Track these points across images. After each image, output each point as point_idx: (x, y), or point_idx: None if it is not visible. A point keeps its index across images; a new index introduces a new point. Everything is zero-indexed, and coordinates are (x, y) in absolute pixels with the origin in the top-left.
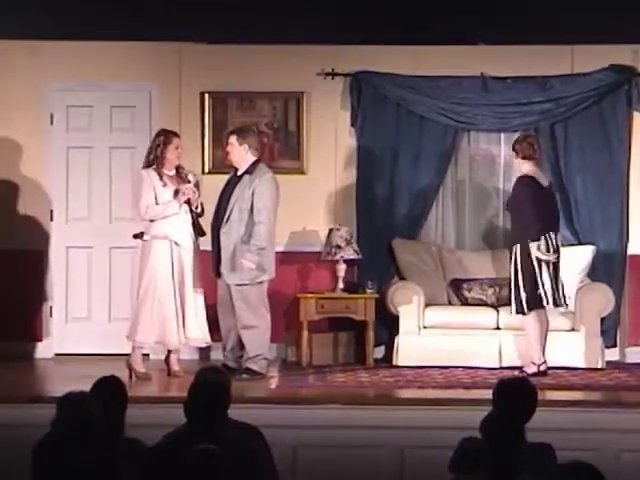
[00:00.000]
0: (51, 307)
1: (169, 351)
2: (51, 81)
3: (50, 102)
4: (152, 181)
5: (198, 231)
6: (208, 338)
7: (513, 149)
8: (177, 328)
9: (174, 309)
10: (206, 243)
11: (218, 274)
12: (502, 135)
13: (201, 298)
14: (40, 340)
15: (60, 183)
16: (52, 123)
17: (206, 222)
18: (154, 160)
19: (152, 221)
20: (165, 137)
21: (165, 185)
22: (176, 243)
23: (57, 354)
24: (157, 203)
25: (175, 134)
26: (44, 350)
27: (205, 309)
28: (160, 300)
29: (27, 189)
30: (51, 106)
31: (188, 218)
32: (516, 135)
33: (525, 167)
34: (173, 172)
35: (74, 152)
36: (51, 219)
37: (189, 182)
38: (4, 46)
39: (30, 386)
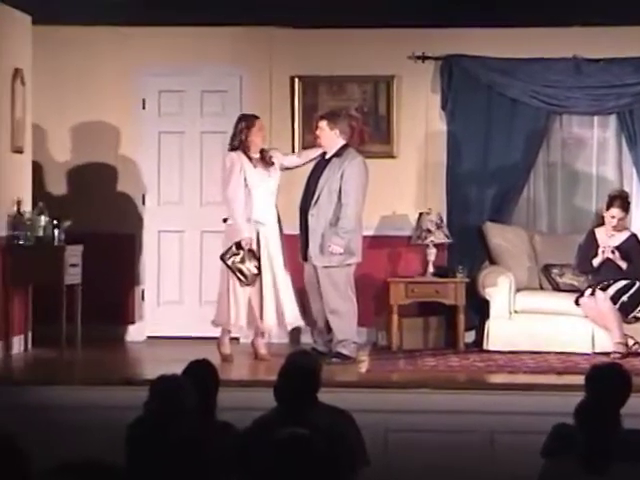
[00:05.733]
0: (143, 290)
1: (256, 334)
2: (143, 66)
3: (142, 87)
4: (242, 163)
5: None
6: (301, 320)
7: None
8: (269, 310)
9: (261, 291)
10: (292, 227)
11: (305, 257)
12: (595, 118)
13: (289, 280)
14: (132, 323)
15: (152, 167)
16: (144, 108)
17: (294, 204)
18: (239, 145)
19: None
20: (246, 121)
21: (255, 167)
22: (262, 224)
23: (149, 337)
24: (247, 185)
25: (255, 117)
26: (136, 333)
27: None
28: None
29: (120, 173)
30: (143, 91)
31: (273, 200)
32: (611, 117)
33: None
34: (258, 155)
35: (166, 137)
36: (143, 203)
37: (272, 164)
38: (96, 32)
39: (123, 369)
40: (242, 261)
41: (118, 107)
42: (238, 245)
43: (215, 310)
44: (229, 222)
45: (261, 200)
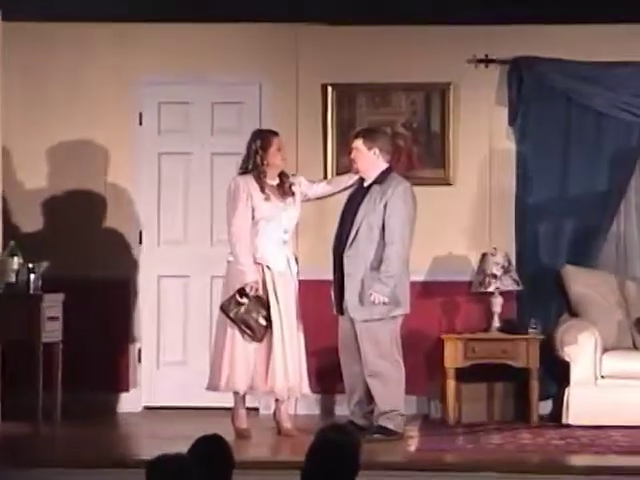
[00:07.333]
0: (139, 350)
1: (277, 404)
2: (139, 72)
3: (139, 98)
4: (250, 191)
5: None
6: (307, 388)
7: None
8: (279, 370)
9: (267, 347)
10: (324, 271)
11: (340, 310)
12: None
13: (302, 338)
14: (126, 390)
15: (150, 197)
16: (141, 124)
17: (326, 243)
18: (253, 169)
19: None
20: (262, 140)
21: (267, 198)
22: (268, 267)
23: (146, 407)
24: (254, 217)
25: (273, 133)
26: (131, 402)
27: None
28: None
29: (110, 205)
30: (140, 103)
31: (287, 238)
32: None
33: None
34: (276, 181)
35: (167, 159)
36: (140, 242)
37: (292, 194)
38: (81, 30)
39: (113, 447)
40: (248, 311)
41: (108, 123)
42: (242, 292)
43: (209, 372)
44: (230, 258)
45: (271, 238)
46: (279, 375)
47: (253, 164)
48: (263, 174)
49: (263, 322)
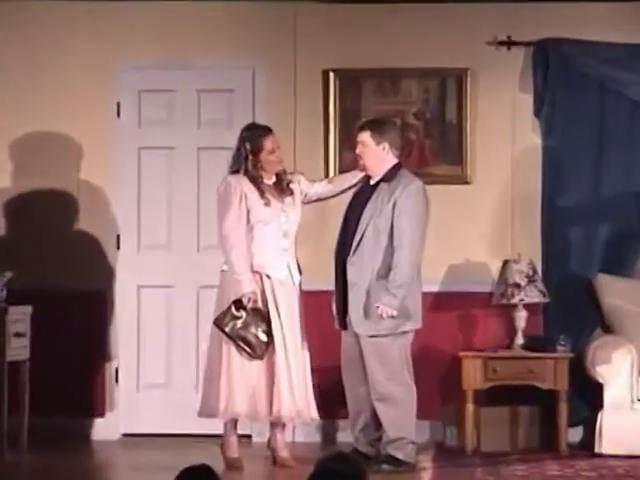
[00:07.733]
0: (117, 369)
1: (272, 430)
2: (116, 56)
3: (116, 86)
4: (244, 190)
5: None
6: (315, 413)
7: None
8: (284, 391)
9: (269, 366)
10: (324, 280)
11: (343, 325)
12: None
13: (307, 355)
14: (102, 415)
15: (129, 197)
16: (119, 115)
17: (327, 249)
18: (245, 173)
19: None
20: (252, 144)
21: (267, 204)
22: (267, 276)
23: (125, 434)
24: (249, 220)
25: (266, 132)
26: (107, 429)
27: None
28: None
29: (83, 206)
30: (117, 92)
31: (287, 244)
32: None
33: None
34: (273, 179)
35: (148, 154)
36: (117, 247)
37: (291, 194)
38: (49, 8)
39: (88, 478)
40: (246, 326)
41: (81, 114)
42: (238, 304)
43: (201, 395)
44: (224, 267)
45: (269, 243)
46: (285, 397)
47: (244, 169)
48: (259, 178)
49: (264, 337)
